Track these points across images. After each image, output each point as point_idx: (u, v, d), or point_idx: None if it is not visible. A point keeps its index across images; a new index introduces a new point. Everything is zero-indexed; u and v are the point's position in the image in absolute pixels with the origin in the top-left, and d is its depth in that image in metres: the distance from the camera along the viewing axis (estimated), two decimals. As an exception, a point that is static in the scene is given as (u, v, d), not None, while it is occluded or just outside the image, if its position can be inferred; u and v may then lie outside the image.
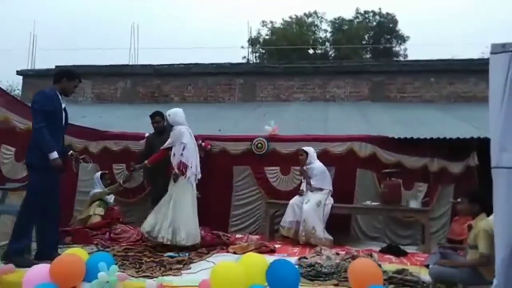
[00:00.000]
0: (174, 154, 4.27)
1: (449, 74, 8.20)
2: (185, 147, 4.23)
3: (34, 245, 3.62)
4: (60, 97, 3.54)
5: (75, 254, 2.79)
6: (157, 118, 5.08)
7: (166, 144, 4.36)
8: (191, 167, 4.23)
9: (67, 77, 3.60)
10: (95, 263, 2.70)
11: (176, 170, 4.22)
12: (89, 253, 3.22)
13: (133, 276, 3.04)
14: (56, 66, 9.46)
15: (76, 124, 5.32)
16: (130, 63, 10.07)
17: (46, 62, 10.23)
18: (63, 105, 3.58)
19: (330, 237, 4.62)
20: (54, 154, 3.34)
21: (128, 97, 9.15)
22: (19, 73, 9.86)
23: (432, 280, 2.87)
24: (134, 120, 7.08)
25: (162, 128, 5.04)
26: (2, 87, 4.35)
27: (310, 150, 4.99)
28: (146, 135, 5.34)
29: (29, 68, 10.11)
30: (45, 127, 3.32)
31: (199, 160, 4.50)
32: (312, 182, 4.85)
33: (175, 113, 4.43)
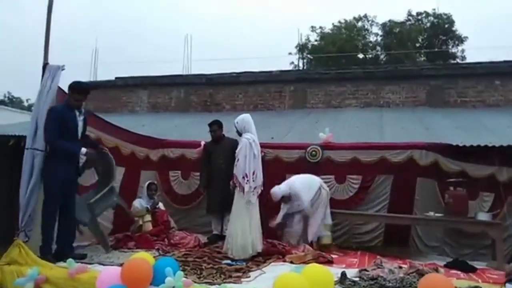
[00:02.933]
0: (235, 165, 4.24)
1: (516, 76, 7.62)
2: (238, 160, 4.19)
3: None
4: (70, 110, 3.76)
5: (143, 259, 2.92)
6: (214, 127, 5.20)
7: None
8: (247, 181, 4.11)
9: (70, 91, 3.82)
10: (161, 268, 2.82)
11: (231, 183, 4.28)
12: (154, 257, 3.36)
13: (195, 282, 3.11)
14: (116, 78, 10.08)
15: (138, 133, 5.63)
16: (184, 73, 10.45)
17: (107, 74, 10.91)
18: (79, 117, 3.82)
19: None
20: (83, 150, 3.74)
21: (182, 106, 9.47)
22: (83, 85, 10.56)
23: None
24: (188, 129, 7.31)
25: (219, 136, 5.16)
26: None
27: (278, 194, 4.69)
28: (203, 143, 5.47)
29: (92, 80, 10.81)
30: (59, 138, 3.66)
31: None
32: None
33: (242, 119, 4.41)
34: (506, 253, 4.36)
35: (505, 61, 7.99)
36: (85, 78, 10.72)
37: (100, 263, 3.69)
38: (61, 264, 3.48)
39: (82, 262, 3.47)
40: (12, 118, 10.13)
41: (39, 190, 3.71)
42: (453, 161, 4.84)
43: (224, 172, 4.89)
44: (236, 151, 4.25)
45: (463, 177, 4.65)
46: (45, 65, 3.96)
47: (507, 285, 2.78)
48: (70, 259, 3.31)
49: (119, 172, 5.09)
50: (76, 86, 3.83)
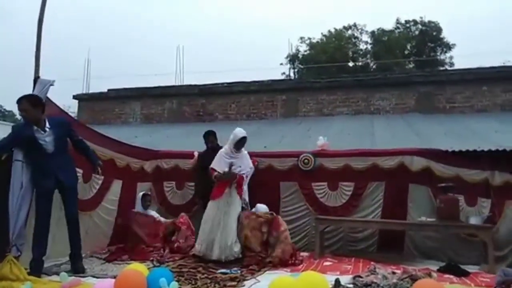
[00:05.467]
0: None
1: (503, 82, 7.79)
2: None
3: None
4: (28, 125, 3.64)
5: (137, 270, 2.91)
6: (212, 137, 5.29)
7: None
8: None
9: None
10: (155, 278, 2.81)
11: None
12: (148, 268, 3.35)
13: (190, 292, 3.11)
14: (109, 90, 10.09)
15: (132, 144, 5.64)
16: (176, 84, 10.50)
17: (100, 85, 10.90)
18: (41, 132, 3.65)
19: None
20: None
21: (175, 117, 9.50)
22: (75, 97, 10.56)
23: None
24: (182, 139, 7.34)
25: (215, 146, 5.23)
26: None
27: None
28: (196, 153, 5.50)
29: (84, 92, 10.82)
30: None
31: None
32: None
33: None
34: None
35: (491, 67, 8.18)
36: (77, 90, 10.74)
37: (93, 276, 3.66)
38: (54, 278, 3.46)
39: (75, 275, 3.45)
40: (5, 131, 10.03)
41: (28, 202, 3.68)
42: (446, 166, 4.88)
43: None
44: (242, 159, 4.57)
45: (458, 182, 4.69)
46: (36, 78, 3.98)
47: None
48: (63, 273, 3.28)
49: (117, 185, 5.09)
50: (18, 100, 3.67)
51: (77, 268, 3.78)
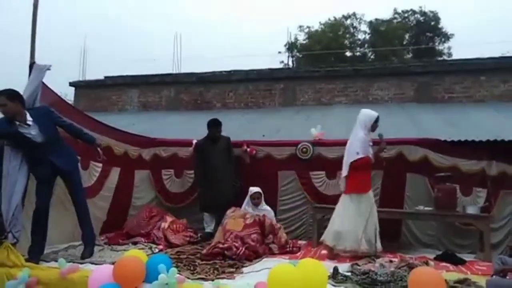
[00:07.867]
0: None
1: (502, 72, 7.77)
2: None
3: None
4: (7, 122, 3.51)
5: (136, 256, 2.91)
6: (220, 128, 5.26)
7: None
8: None
9: None
10: (154, 265, 2.82)
11: None
12: (147, 255, 3.36)
13: (188, 278, 3.12)
14: (106, 77, 10.00)
15: (130, 132, 5.60)
16: (174, 72, 10.41)
17: (97, 73, 10.77)
18: (23, 126, 3.54)
19: None
20: None
21: (172, 105, 9.42)
22: (71, 84, 10.44)
23: None
24: (179, 127, 7.30)
25: (217, 136, 5.20)
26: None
27: None
28: (195, 141, 5.47)
29: (81, 79, 10.70)
30: None
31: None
32: None
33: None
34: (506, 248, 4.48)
35: (490, 58, 8.16)
36: (74, 77, 10.62)
37: (92, 262, 3.67)
38: (52, 264, 3.46)
39: (74, 262, 3.46)
40: None
41: (21, 189, 3.63)
42: (444, 156, 4.90)
43: (221, 171, 4.96)
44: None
45: (455, 172, 4.71)
46: (32, 64, 3.92)
47: (488, 278, 2.84)
48: (61, 259, 3.29)
49: (115, 173, 5.07)
50: None
51: (82, 253, 3.82)
